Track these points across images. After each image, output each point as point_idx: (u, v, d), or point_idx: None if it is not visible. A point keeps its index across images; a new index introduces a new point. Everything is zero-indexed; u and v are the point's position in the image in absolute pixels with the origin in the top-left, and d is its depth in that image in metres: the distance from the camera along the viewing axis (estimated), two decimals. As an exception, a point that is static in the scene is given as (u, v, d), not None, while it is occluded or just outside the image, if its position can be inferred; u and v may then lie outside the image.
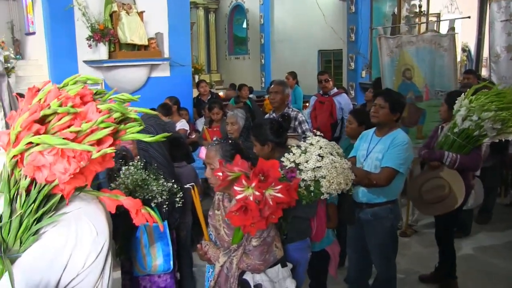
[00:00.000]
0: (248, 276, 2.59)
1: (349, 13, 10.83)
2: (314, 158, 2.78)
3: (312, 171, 2.77)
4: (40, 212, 1.41)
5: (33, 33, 15.37)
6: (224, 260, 2.58)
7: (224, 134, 5.39)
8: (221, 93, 12.10)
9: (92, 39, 6.83)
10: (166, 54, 7.36)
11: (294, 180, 2.56)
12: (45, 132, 1.33)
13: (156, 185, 3.04)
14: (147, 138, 1.51)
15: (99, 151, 1.34)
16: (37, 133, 1.30)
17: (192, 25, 13.74)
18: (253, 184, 2.20)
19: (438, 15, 10.42)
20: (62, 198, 1.46)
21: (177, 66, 7.54)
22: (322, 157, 2.81)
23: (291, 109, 4.99)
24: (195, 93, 8.58)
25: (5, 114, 1.64)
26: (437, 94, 5.58)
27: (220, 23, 17.31)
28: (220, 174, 2.32)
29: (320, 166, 2.77)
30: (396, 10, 9.30)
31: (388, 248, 3.71)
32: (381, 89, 5.83)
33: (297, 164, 2.82)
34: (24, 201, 1.39)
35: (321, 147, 2.85)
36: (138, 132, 1.50)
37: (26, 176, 1.36)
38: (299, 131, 4.84)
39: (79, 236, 1.48)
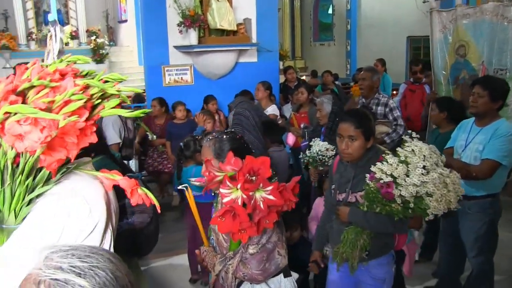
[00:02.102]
0: (246, 287, 2.32)
1: (443, -3, 10.29)
2: (418, 172, 2.32)
3: (414, 186, 2.31)
4: (28, 182, 1.48)
5: (125, 21, 16.20)
6: (219, 269, 2.29)
7: (311, 120, 5.35)
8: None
9: (182, 25, 6.99)
10: (254, 39, 7.39)
11: (293, 178, 2.17)
12: (24, 104, 1.41)
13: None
14: (124, 113, 1.56)
15: (65, 119, 1.37)
16: (14, 103, 1.38)
17: (278, 11, 13.72)
18: (239, 185, 1.93)
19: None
20: (62, 172, 1.55)
21: (264, 51, 7.54)
22: (428, 170, 2.33)
23: (381, 95, 4.91)
24: (281, 79, 8.57)
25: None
26: (496, 74, 4.86)
27: (305, 9, 17.14)
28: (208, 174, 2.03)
29: (426, 182, 2.31)
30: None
31: (485, 244, 3.49)
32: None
33: (395, 178, 2.36)
34: (13, 172, 1.46)
35: (425, 157, 2.36)
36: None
37: (12, 147, 1.42)
38: (390, 117, 4.73)
39: (72, 211, 1.52)
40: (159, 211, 1.63)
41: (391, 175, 2.35)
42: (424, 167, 2.32)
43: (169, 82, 7.23)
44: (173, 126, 6.08)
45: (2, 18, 14.78)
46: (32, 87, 1.42)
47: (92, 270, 1.01)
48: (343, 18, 14.90)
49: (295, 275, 2.40)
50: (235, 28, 7.12)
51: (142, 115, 1.63)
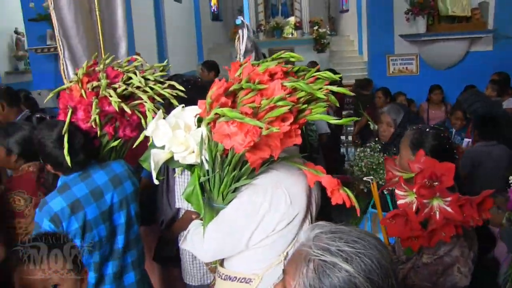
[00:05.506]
0: None
1: None
2: None
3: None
4: (235, 173, 1.61)
5: (346, 11, 16.41)
6: None
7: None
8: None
9: (410, 13, 6.80)
10: (490, 25, 6.75)
11: (483, 193, 1.78)
12: (234, 105, 1.51)
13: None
14: (330, 119, 1.56)
15: (267, 128, 1.42)
16: (224, 105, 1.48)
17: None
18: (414, 190, 1.77)
19: None
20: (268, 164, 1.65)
21: (502, 39, 6.82)
22: None
23: None
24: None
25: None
26: None
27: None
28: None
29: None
30: None
31: None
32: None
33: None
34: (221, 163, 1.61)
35: None
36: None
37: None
38: None
39: (273, 202, 1.63)
40: (358, 214, 1.64)
41: None
42: None
43: (393, 72, 7.15)
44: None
45: (237, 13, 16.39)
46: (242, 88, 1.53)
47: (358, 256, 1.03)
48: None
49: None
50: (469, 14, 6.62)
51: (349, 123, 1.64)
